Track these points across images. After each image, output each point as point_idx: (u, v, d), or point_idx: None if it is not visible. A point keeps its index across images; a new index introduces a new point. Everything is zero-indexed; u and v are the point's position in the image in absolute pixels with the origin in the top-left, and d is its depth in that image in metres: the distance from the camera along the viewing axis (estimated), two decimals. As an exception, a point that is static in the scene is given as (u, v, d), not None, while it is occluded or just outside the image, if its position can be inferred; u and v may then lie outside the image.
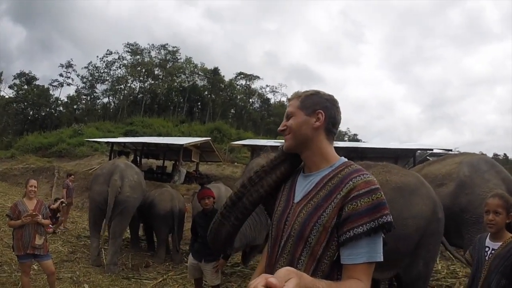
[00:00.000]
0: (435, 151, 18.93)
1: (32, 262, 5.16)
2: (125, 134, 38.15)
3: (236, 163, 30.13)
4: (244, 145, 23.29)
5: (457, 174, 4.82)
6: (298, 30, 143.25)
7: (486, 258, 2.78)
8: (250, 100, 67.85)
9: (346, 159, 1.66)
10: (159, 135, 36.53)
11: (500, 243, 2.74)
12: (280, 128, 1.72)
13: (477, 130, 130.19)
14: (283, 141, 1.74)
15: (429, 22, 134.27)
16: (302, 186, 1.65)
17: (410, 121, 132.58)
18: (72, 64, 61.64)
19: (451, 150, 17.56)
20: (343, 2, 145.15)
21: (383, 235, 1.46)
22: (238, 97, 66.04)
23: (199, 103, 63.84)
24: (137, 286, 6.30)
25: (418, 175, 4.30)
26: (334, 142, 1.73)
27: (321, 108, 1.64)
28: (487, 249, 2.83)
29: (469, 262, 2.93)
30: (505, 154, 54.45)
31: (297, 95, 1.72)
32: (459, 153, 5.66)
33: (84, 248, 8.28)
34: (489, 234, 2.87)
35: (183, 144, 19.74)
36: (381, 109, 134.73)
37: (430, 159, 17.23)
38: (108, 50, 62.93)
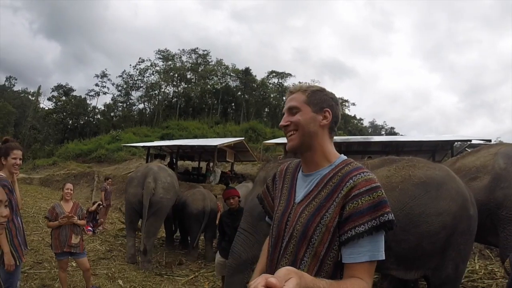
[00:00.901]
0: (473, 142, 18.21)
1: (69, 259, 5.43)
2: (162, 138, 38.85)
3: (271, 162, 30.07)
4: (278, 144, 23.30)
5: (492, 166, 4.49)
6: (325, 25, 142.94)
7: None
8: (284, 98, 67.36)
9: (345, 157, 1.65)
10: (195, 137, 37.09)
11: None
12: (283, 123, 1.65)
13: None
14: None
15: (458, 3, 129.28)
16: (303, 186, 1.63)
17: (447, 111, 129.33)
18: (106, 74, 63.89)
19: (490, 141, 16.96)
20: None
21: (384, 233, 1.45)
22: (272, 95, 65.80)
23: (232, 104, 64.06)
24: (169, 282, 6.49)
25: (447, 169, 4.03)
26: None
27: (328, 106, 1.63)
28: None
29: (508, 271, 2.64)
30: (551, 142, 51.84)
31: (301, 89, 1.67)
32: (495, 144, 5.27)
33: (121, 247, 8.61)
34: None
35: (217, 145, 19.95)
36: (417, 100, 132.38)
37: (469, 150, 16.62)
38: (140, 58, 64.48)
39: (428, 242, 3.55)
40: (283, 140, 23.05)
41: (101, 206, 11.29)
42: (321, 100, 1.63)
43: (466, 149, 18.88)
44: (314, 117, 1.61)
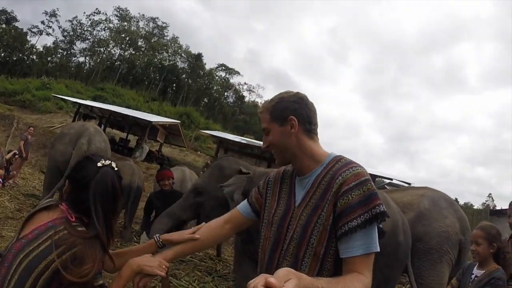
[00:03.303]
0: (394, 181, 19.16)
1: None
2: (94, 99, 36.96)
3: (199, 152, 29.99)
4: (212, 136, 23.13)
5: (417, 205, 4.94)
6: (285, 37, 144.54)
7: (470, 284, 2.99)
8: (225, 94, 67.78)
9: (335, 154, 1.67)
10: (128, 107, 35.64)
11: (484, 271, 2.95)
12: (263, 146, 1.74)
13: (433, 170, 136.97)
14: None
15: (411, 60, 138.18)
16: (301, 190, 1.65)
17: (372, 148, 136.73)
18: (56, 14, 60.30)
19: (410, 184, 17.81)
20: (335, 20, 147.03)
21: (379, 225, 1.49)
22: (215, 87, 65.87)
23: (174, 85, 63.20)
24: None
25: (385, 195, 4.26)
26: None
27: (291, 113, 1.64)
28: (472, 275, 3.03)
29: (454, 287, 3.16)
30: (456, 198, 56.19)
31: (265, 108, 1.71)
32: (422, 187, 5.74)
33: (31, 208, 7.90)
34: (478, 263, 3.06)
35: (151, 121, 19.41)
36: (347, 131, 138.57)
37: (388, 188, 17.43)
38: (96, 8, 61.85)
39: None
40: (218, 133, 23.00)
41: (16, 156, 10.45)
42: (282, 110, 1.65)
43: (386, 186, 19.73)
44: (282, 131, 1.65)
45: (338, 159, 1.61)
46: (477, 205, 54.87)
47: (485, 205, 56.34)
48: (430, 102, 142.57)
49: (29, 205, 8.14)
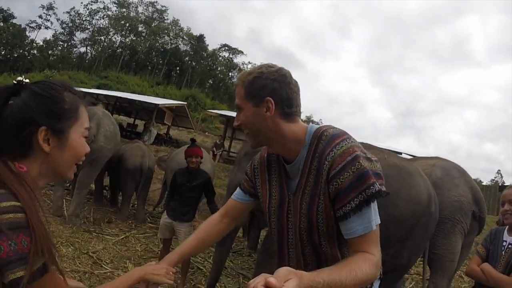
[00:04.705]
0: (403, 155, 19.07)
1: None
2: (98, 87, 36.86)
3: (207, 133, 29.90)
4: (220, 115, 22.96)
5: (429, 175, 4.73)
6: (285, 13, 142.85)
7: (503, 253, 2.67)
8: (230, 74, 67.40)
9: (315, 127, 1.51)
10: (133, 93, 35.67)
11: None
12: (235, 123, 1.57)
13: (441, 146, 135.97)
14: None
15: (415, 34, 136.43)
16: (293, 177, 1.56)
17: (379, 124, 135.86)
18: (53, 7, 60.02)
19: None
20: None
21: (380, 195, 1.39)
22: (219, 68, 65.56)
23: (178, 68, 63.00)
24: (98, 240, 5.96)
25: (419, 168, 4.19)
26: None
27: (268, 93, 1.44)
28: (504, 243, 2.71)
29: (482, 256, 2.84)
30: (464, 175, 56.70)
31: (241, 81, 1.51)
32: (433, 157, 5.61)
33: (45, 197, 7.73)
34: (507, 228, 2.76)
35: (158, 104, 19.31)
36: (354, 106, 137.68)
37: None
38: (94, -3, 61.00)
39: (394, 227, 3.53)
40: (226, 112, 22.78)
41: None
42: (259, 89, 1.46)
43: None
44: (256, 112, 1.47)
45: (319, 134, 1.46)
46: (486, 181, 55.14)
47: (494, 181, 56.47)
48: (436, 76, 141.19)
49: (43, 194, 7.96)
